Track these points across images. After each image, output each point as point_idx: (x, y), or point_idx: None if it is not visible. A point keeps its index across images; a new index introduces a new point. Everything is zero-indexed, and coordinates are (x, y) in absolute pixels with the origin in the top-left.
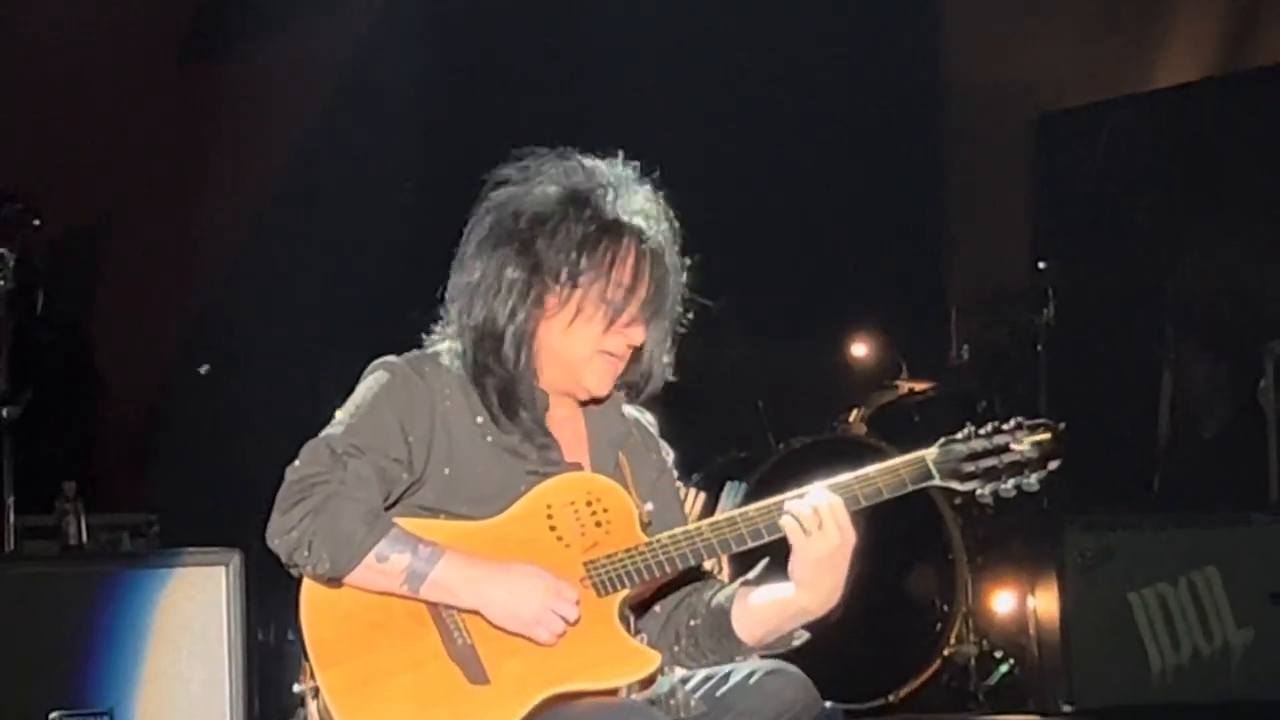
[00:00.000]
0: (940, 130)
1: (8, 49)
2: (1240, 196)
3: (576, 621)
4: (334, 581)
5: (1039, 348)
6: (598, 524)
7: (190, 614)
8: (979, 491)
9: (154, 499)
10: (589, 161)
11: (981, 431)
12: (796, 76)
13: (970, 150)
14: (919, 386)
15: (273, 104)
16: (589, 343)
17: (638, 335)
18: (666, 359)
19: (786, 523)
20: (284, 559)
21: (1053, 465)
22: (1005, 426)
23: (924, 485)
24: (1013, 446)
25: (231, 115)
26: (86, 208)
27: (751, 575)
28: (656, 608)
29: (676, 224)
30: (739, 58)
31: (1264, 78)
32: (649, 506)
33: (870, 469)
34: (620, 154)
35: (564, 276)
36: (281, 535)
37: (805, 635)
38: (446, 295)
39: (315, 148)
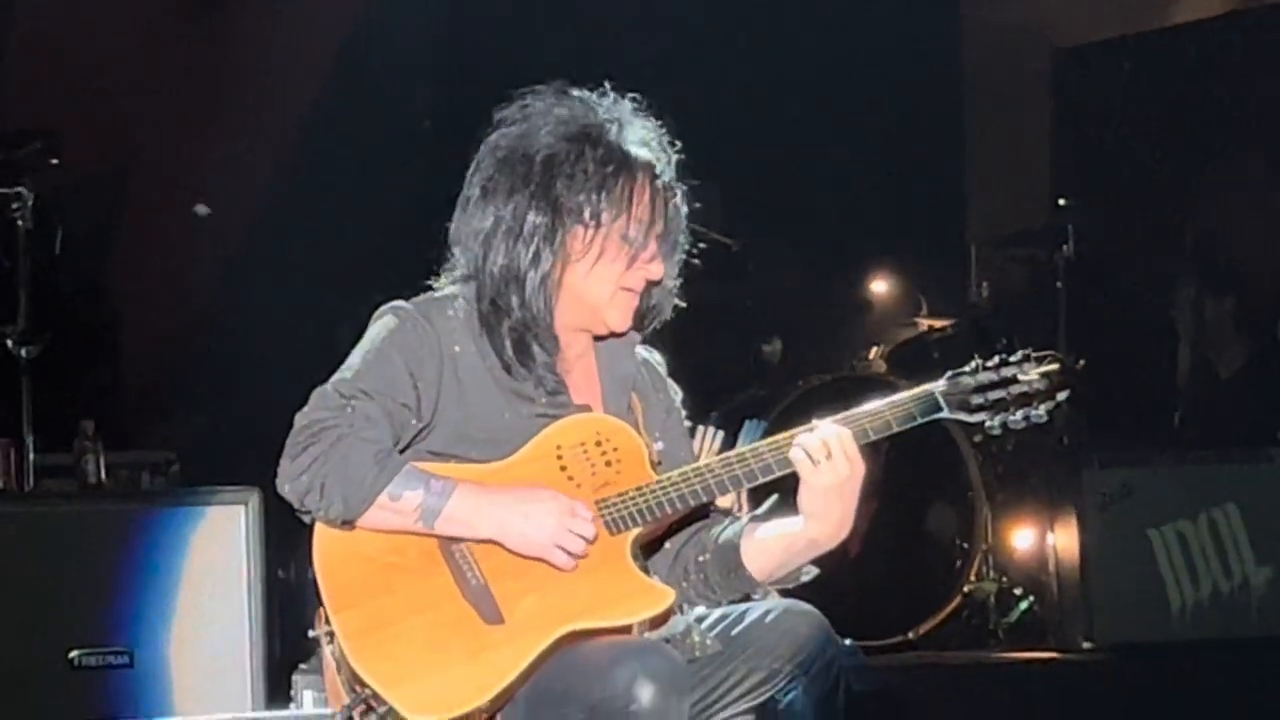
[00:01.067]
0: (959, 68)
1: None
2: (1260, 134)
3: (594, 540)
4: (347, 524)
5: (1059, 285)
6: (608, 463)
7: (210, 553)
8: (988, 423)
9: (174, 438)
10: (586, 97)
11: (989, 364)
12: (816, 15)
13: (989, 88)
14: (938, 324)
15: (288, 49)
16: (611, 281)
17: (657, 270)
18: (673, 289)
19: (795, 455)
20: (295, 504)
21: (1060, 396)
22: (1012, 359)
23: (933, 418)
24: (1020, 378)
25: (248, 60)
26: (106, 150)
27: (760, 511)
28: (667, 544)
29: (674, 153)
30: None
31: None
32: (659, 445)
33: (879, 403)
34: (608, 86)
35: (587, 217)
36: (291, 480)
37: (814, 570)
38: (451, 240)
39: (331, 93)
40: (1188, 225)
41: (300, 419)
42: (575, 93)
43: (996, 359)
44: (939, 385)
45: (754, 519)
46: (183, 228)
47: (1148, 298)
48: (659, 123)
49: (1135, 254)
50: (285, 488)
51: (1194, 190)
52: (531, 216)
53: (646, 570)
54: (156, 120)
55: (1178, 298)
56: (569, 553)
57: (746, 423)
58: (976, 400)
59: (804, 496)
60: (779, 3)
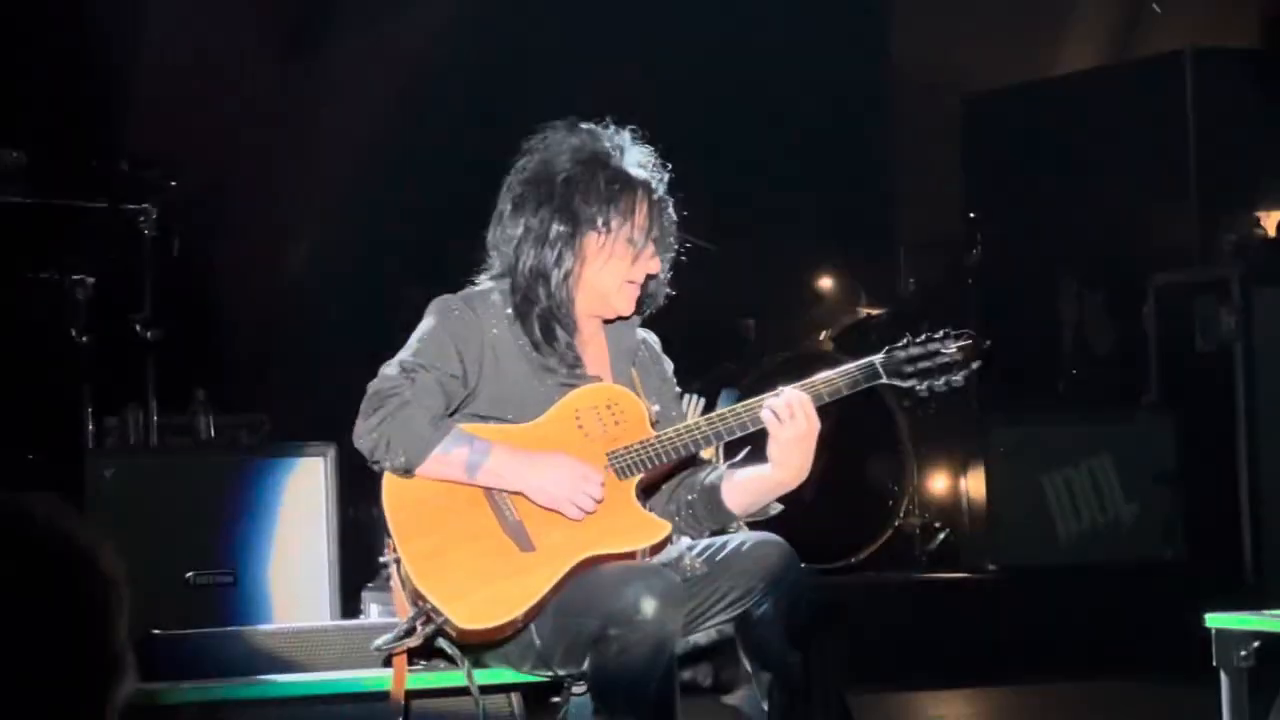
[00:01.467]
0: (890, 106)
1: (151, 41)
2: (1125, 163)
3: (602, 500)
4: (408, 474)
5: (970, 281)
6: (616, 423)
7: (297, 495)
8: (917, 387)
9: (268, 403)
10: (593, 129)
11: (918, 340)
12: (762, 55)
13: (915, 123)
14: (875, 311)
15: (358, 88)
16: (619, 275)
17: (655, 266)
18: (666, 280)
19: (765, 415)
20: (367, 456)
21: (974, 365)
22: (936, 335)
23: (874, 384)
24: (943, 351)
25: (332, 89)
26: (214, 167)
27: (737, 460)
28: (663, 487)
29: (669, 171)
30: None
31: (1146, 66)
32: (655, 408)
33: (830, 372)
34: (610, 121)
35: (600, 225)
36: (364, 436)
37: (779, 507)
38: (488, 246)
39: (397, 116)
40: (1070, 233)
41: (371, 387)
42: (584, 125)
43: (924, 336)
44: (878, 357)
45: (731, 466)
46: (273, 234)
47: (1039, 290)
48: (652, 149)
49: (1029, 256)
50: (359, 442)
51: (1076, 205)
52: (555, 225)
53: (647, 508)
54: (254, 146)
55: (1062, 290)
56: (580, 508)
57: (723, 391)
58: (908, 369)
59: (772, 448)
60: (728, 34)
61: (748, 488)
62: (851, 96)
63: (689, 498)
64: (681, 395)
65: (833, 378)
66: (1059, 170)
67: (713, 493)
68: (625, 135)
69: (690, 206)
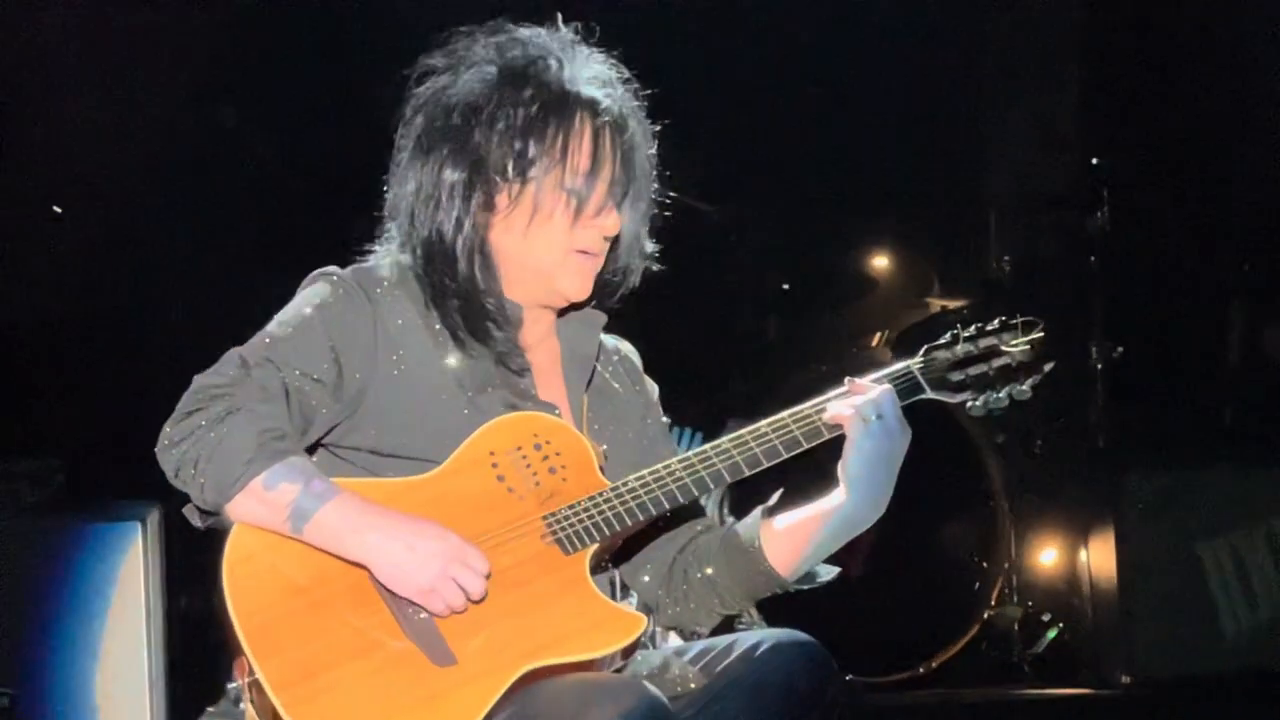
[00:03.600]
0: (977, 9)
1: None
2: None
3: (481, 600)
4: (215, 512)
5: (1092, 259)
6: (551, 470)
7: (101, 577)
8: (971, 402)
9: (58, 443)
10: (525, 32)
11: (966, 334)
12: None
13: (1010, 28)
14: (953, 304)
15: None
16: (556, 242)
17: (611, 224)
18: (647, 248)
19: (841, 411)
20: (169, 474)
21: (1047, 368)
22: (989, 327)
23: (914, 400)
24: (1002, 349)
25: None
26: None
27: (771, 502)
28: (641, 554)
29: (638, 87)
30: None
31: None
32: (604, 447)
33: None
34: (560, 17)
35: (511, 170)
36: (170, 448)
37: (833, 570)
38: (386, 209)
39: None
40: (1243, 190)
41: (197, 379)
42: (514, 30)
43: (974, 328)
44: (915, 361)
45: (767, 511)
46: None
47: (1197, 274)
48: (613, 53)
49: (1181, 222)
50: (162, 456)
51: (1252, 148)
52: (448, 174)
53: (614, 590)
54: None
55: (1231, 273)
56: (447, 602)
57: (730, 422)
58: (956, 377)
59: (852, 462)
60: None
61: (800, 534)
62: None
63: (706, 570)
64: (670, 429)
65: (807, 411)
66: (1229, 96)
67: (747, 553)
68: (570, 35)
69: (686, 151)
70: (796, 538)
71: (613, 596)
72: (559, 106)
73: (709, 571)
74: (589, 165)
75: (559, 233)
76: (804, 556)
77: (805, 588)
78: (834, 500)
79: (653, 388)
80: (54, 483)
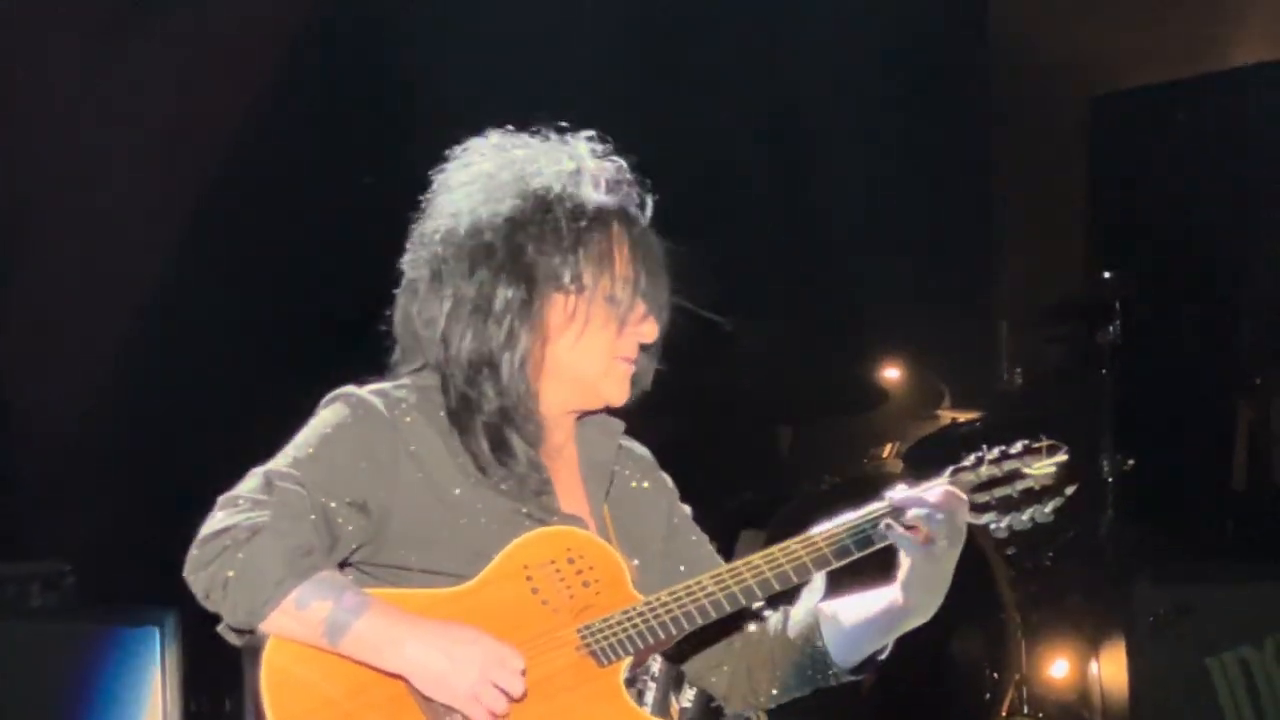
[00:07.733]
0: (986, 114)
1: None
2: None
3: (522, 699)
4: (249, 631)
5: (1103, 371)
6: (585, 584)
7: (116, 684)
8: (994, 526)
9: (69, 544)
10: (522, 143)
11: (991, 457)
12: (829, 57)
13: (1020, 139)
14: (964, 417)
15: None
16: (603, 351)
17: (649, 330)
18: (656, 351)
19: (911, 513)
20: (199, 595)
21: (1070, 490)
22: (1013, 450)
23: None
24: (1025, 472)
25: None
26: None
27: (819, 597)
28: (711, 669)
29: (643, 185)
30: (766, 43)
31: None
32: (635, 562)
33: (855, 514)
34: (543, 128)
35: (567, 281)
36: (199, 570)
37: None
38: (400, 327)
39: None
40: (1253, 295)
41: (222, 500)
42: (516, 142)
43: (997, 451)
44: (940, 483)
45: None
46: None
47: (1208, 385)
48: (619, 157)
49: (1192, 335)
50: (190, 577)
51: (1262, 261)
52: (502, 290)
53: (644, 697)
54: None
55: (1237, 386)
56: (489, 708)
57: (743, 533)
58: (982, 499)
59: (918, 565)
60: (790, 50)
61: (865, 631)
62: (929, 94)
63: (775, 672)
64: None
65: (857, 523)
66: (1237, 208)
67: (809, 648)
68: (578, 143)
69: (692, 265)
70: (859, 634)
71: (669, 693)
72: (598, 217)
73: (777, 673)
74: (631, 273)
75: (606, 342)
76: (862, 651)
77: (863, 675)
78: (888, 595)
79: (672, 488)
80: (63, 585)
